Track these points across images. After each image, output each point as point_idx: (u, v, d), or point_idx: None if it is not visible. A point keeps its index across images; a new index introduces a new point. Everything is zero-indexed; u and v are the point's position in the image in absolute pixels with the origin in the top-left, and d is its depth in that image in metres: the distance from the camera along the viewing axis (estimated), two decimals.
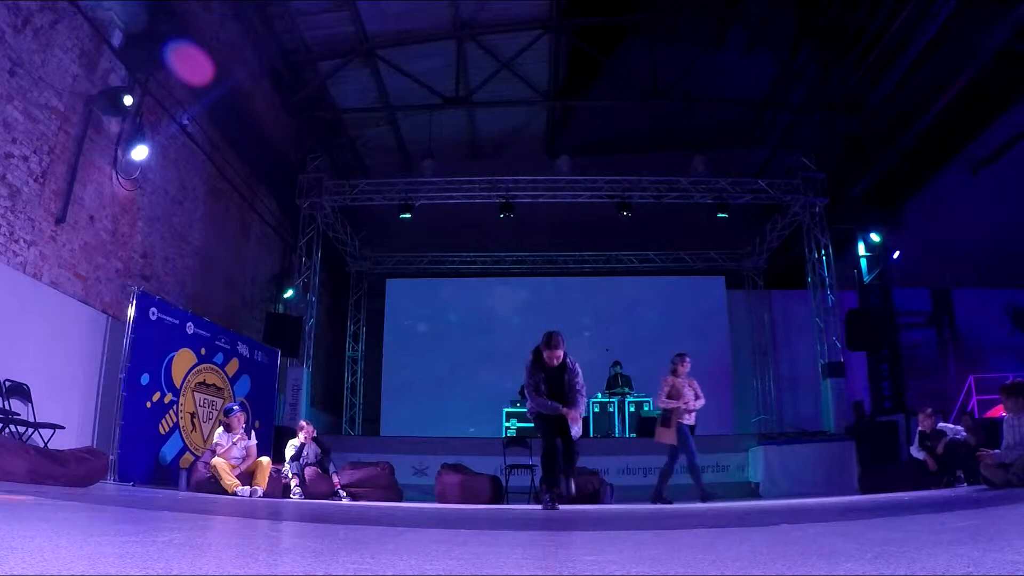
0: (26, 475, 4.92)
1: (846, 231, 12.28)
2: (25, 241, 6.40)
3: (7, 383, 5.95)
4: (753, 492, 9.87)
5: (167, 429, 7.74)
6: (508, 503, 7.61)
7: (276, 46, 11.36)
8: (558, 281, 15.13)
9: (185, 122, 9.11)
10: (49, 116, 6.66)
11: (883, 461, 9.32)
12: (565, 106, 13.90)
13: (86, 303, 7.24)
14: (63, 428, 6.14)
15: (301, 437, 7.78)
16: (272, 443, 9.33)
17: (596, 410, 11.90)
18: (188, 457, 7.87)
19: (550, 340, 5.27)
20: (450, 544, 2.22)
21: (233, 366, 9.11)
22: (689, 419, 6.95)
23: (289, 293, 12.33)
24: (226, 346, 9.00)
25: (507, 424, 11.65)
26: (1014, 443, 5.60)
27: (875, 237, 11.80)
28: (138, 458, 7.15)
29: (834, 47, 11.25)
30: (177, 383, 7.95)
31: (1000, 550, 1.59)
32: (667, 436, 6.88)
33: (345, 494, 7.51)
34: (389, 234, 14.70)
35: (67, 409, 6.63)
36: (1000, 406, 7.35)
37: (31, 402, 6.09)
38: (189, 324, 8.26)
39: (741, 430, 13.38)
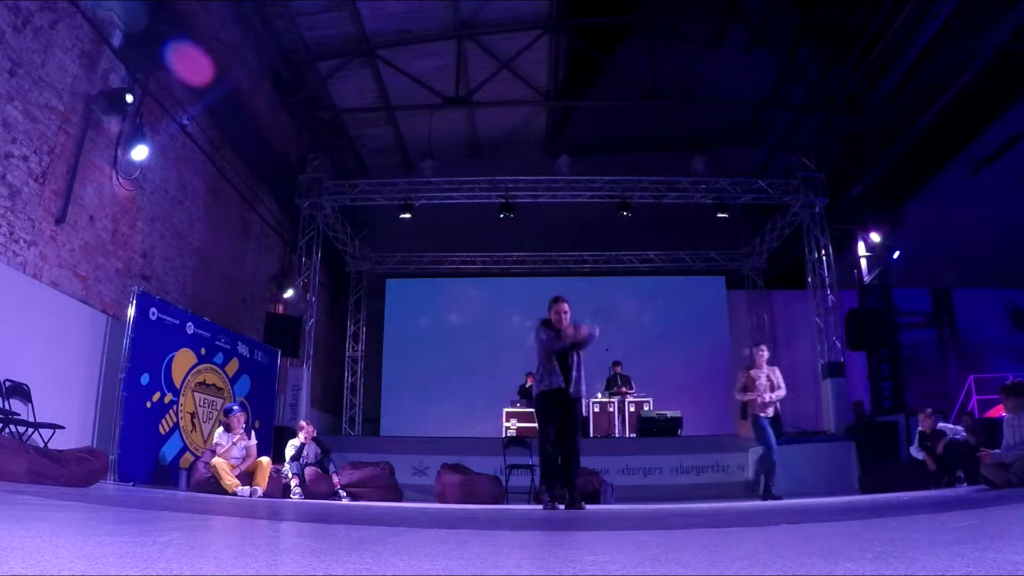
0: (26, 475, 4.92)
1: (846, 231, 12.29)
2: (25, 241, 6.40)
3: (7, 383, 5.95)
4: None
5: (167, 429, 7.74)
6: (508, 503, 7.61)
7: (276, 46, 11.36)
8: (558, 281, 15.12)
9: (185, 122, 9.11)
10: (49, 116, 6.66)
11: (883, 461, 9.32)
12: (565, 106, 13.92)
13: (86, 303, 7.24)
14: (63, 428, 6.14)
15: (301, 437, 7.78)
16: (272, 443, 9.33)
17: (596, 410, 11.89)
18: (188, 457, 7.87)
19: (556, 297, 5.48)
20: (450, 544, 2.22)
21: (233, 366, 9.11)
22: (768, 411, 6.71)
23: (289, 293, 12.33)
24: (226, 346, 9.00)
25: (507, 424, 11.65)
26: (1014, 443, 5.60)
27: (875, 237, 11.80)
28: (138, 458, 7.15)
29: (834, 47, 11.26)
30: (177, 383, 7.95)
31: (1000, 550, 1.59)
32: (744, 429, 6.76)
33: (345, 494, 7.51)
34: (389, 234, 14.71)
35: (67, 409, 6.63)
36: (1000, 406, 7.35)
37: (31, 402, 6.09)
38: (189, 324, 8.26)
39: None
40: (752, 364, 6.89)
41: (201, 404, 8.39)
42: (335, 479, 7.62)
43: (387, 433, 13.74)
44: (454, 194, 12.53)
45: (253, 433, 7.52)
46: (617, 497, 8.06)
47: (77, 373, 7.02)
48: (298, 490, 7.44)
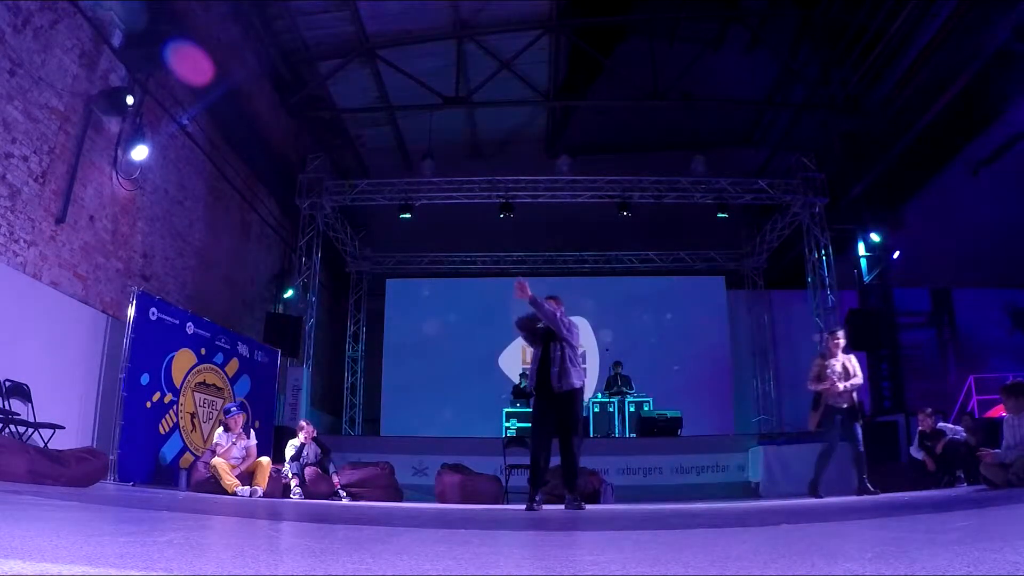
0: (26, 475, 4.92)
1: (846, 231, 12.28)
2: (25, 241, 6.40)
3: (7, 383, 5.95)
4: (753, 492, 9.87)
5: (167, 429, 7.73)
6: (508, 503, 7.60)
7: (276, 46, 11.35)
8: (558, 281, 15.11)
9: (185, 122, 9.11)
10: (49, 116, 6.66)
11: (883, 461, 9.31)
12: (565, 106, 13.90)
13: (86, 303, 7.24)
14: (63, 428, 6.13)
15: (301, 437, 7.78)
16: (272, 443, 9.32)
17: (596, 410, 11.89)
18: (188, 457, 7.86)
19: (549, 297, 5.77)
20: (450, 544, 2.22)
21: (233, 366, 9.11)
22: (842, 401, 6.32)
23: (289, 293, 12.33)
24: (226, 346, 9.00)
25: (507, 424, 11.64)
26: (1014, 443, 5.60)
27: (875, 237, 11.79)
28: (138, 458, 7.15)
29: (834, 47, 11.25)
30: (177, 383, 7.95)
31: (1000, 550, 1.59)
32: (812, 420, 6.39)
33: (345, 494, 7.51)
34: (389, 234, 14.70)
35: (67, 409, 6.63)
36: (1000, 406, 7.35)
37: (31, 402, 6.09)
38: (189, 324, 8.26)
39: (741, 430, 13.38)
40: (827, 352, 6.51)
41: (201, 404, 8.39)
42: (335, 479, 7.62)
43: (387, 433, 13.73)
44: (454, 194, 12.52)
45: (253, 433, 7.52)
46: (617, 497, 8.05)
47: (77, 373, 7.02)
48: (298, 490, 7.44)
